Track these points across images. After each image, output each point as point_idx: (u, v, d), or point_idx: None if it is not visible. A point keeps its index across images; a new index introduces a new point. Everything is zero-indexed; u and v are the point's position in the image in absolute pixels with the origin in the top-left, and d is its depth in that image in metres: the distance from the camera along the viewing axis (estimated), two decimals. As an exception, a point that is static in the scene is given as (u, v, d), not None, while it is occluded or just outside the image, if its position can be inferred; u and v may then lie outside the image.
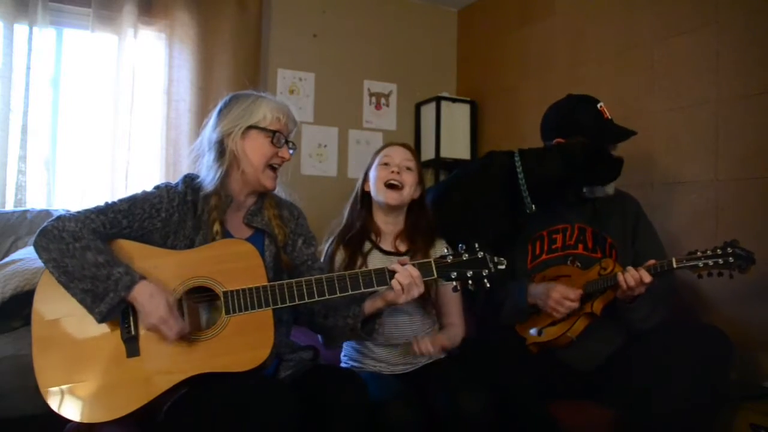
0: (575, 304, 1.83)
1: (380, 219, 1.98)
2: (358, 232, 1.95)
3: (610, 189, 2.04)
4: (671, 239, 2.29)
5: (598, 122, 2.03)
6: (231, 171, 1.64)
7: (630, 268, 1.77)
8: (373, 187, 1.95)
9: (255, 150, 1.61)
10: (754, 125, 2.18)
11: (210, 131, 1.65)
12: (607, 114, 2.05)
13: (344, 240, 1.94)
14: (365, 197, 2.00)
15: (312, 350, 1.73)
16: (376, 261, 1.90)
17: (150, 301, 1.40)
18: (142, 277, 1.43)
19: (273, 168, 1.65)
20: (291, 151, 1.69)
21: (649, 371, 1.74)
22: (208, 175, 1.61)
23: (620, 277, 1.77)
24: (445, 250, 1.60)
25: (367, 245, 1.94)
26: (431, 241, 1.95)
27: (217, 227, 1.57)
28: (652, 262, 1.77)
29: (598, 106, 2.05)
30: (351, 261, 1.89)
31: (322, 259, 1.96)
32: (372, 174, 1.97)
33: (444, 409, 1.61)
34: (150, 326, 1.41)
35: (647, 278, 1.74)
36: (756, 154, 2.17)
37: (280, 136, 1.64)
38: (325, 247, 1.99)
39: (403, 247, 1.95)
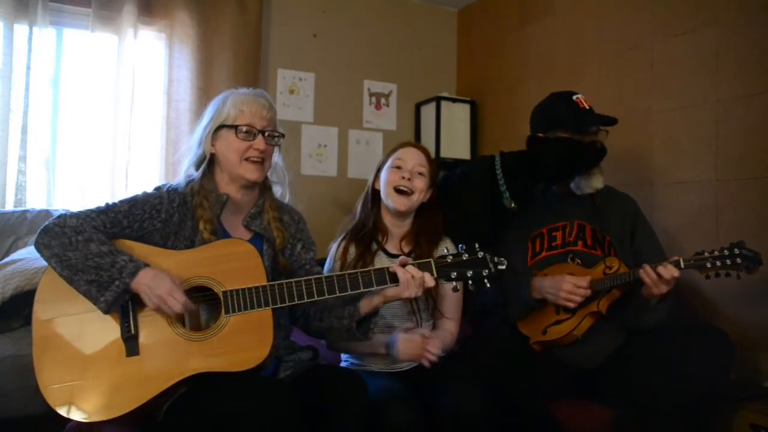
0: (588, 292, 1.83)
1: (388, 220, 1.98)
2: (369, 231, 1.95)
3: (597, 183, 2.02)
4: (671, 239, 2.29)
5: (574, 112, 2.02)
6: (216, 171, 1.67)
7: (660, 266, 1.75)
8: (383, 190, 1.94)
9: (226, 148, 1.63)
10: (754, 125, 2.18)
11: (193, 137, 1.69)
12: (585, 104, 2.03)
13: (356, 237, 1.95)
14: (375, 196, 1.99)
15: (311, 350, 1.73)
16: (382, 262, 1.90)
17: (154, 279, 1.41)
18: (146, 264, 1.44)
19: (253, 161, 1.63)
20: (276, 139, 1.67)
21: (650, 371, 1.74)
22: (183, 175, 1.65)
23: (644, 273, 1.74)
24: (446, 250, 1.60)
25: (375, 246, 1.94)
26: (436, 244, 1.94)
27: (202, 226, 1.57)
28: (675, 258, 1.76)
29: (574, 97, 2.05)
30: (361, 258, 1.89)
31: (330, 255, 1.97)
32: (383, 175, 1.96)
33: (444, 408, 1.61)
34: (156, 299, 1.41)
35: (675, 272, 1.73)
36: (756, 154, 2.17)
37: (248, 129, 1.61)
38: (335, 243, 1.99)
39: (407, 249, 1.94)
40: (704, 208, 2.32)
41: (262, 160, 1.64)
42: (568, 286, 1.84)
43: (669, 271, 1.72)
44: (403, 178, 1.90)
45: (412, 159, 1.94)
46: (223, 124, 1.63)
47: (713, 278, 1.75)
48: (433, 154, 3.34)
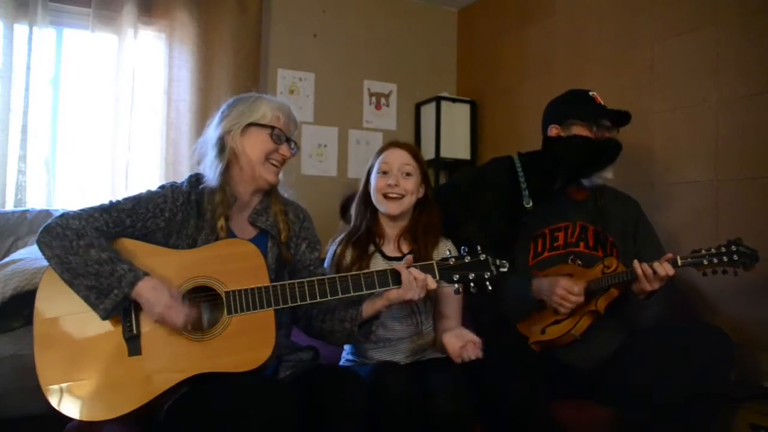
0: (580, 299, 1.83)
1: (384, 221, 1.96)
2: (364, 234, 1.94)
3: (608, 174, 2.05)
4: (671, 239, 2.30)
5: (591, 105, 2.05)
6: (232, 169, 1.64)
7: (656, 262, 1.75)
8: (373, 195, 1.93)
9: (254, 145, 1.63)
10: (754, 125, 2.19)
11: (212, 131, 1.66)
12: (600, 100, 2.07)
13: (352, 241, 1.94)
14: (368, 199, 1.97)
15: (312, 351, 1.73)
16: (378, 265, 1.89)
17: (153, 293, 1.41)
18: (146, 274, 1.43)
19: (273, 164, 1.65)
20: (294, 151, 1.70)
21: (649, 371, 1.74)
22: (210, 172, 1.62)
23: (637, 265, 1.75)
24: (448, 252, 1.60)
25: (372, 248, 1.93)
26: (435, 242, 1.94)
27: (222, 223, 1.57)
28: (669, 255, 1.76)
29: (590, 93, 2.08)
30: (357, 261, 1.88)
31: (327, 259, 1.96)
32: (372, 180, 1.94)
33: (432, 385, 1.62)
34: (156, 316, 1.41)
35: (671, 271, 1.73)
36: (756, 154, 2.18)
37: (280, 133, 1.65)
38: (332, 248, 1.98)
39: (405, 248, 1.93)
40: (704, 208, 2.32)
41: (280, 164, 1.67)
42: (560, 291, 1.84)
43: (665, 268, 1.72)
44: (390, 185, 1.88)
45: (397, 160, 1.92)
46: (256, 122, 1.63)
47: (713, 277, 1.75)
48: (433, 155, 3.40)
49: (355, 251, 1.91)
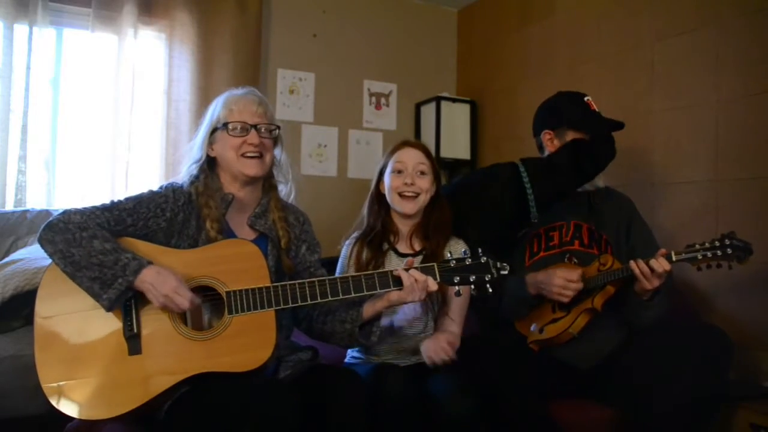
0: (579, 285, 1.85)
1: (398, 219, 1.97)
2: (378, 234, 1.95)
3: (599, 181, 2.07)
4: (671, 239, 2.30)
5: (585, 113, 2.06)
6: (220, 172, 1.68)
7: (652, 259, 1.75)
8: (388, 195, 1.94)
9: (223, 147, 1.65)
10: (754, 125, 2.19)
11: (193, 141, 1.72)
12: (594, 106, 2.08)
13: (367, 241, 1.94)
14: (381, 198, 1.98)
15: (311, 350, 1.73)
16: (392, 263, 1.90)
17: (158, 277, 1.41)
18: (149, 262, 1.43)
19: (248, 156, 1.64)
20: (273, 132, 1.68)
21: (649, 370, 1.74)
22: (186, 175, 1.67)
23: (633, 265, 1.75)
24: (449, 254, 1.61)
25: (385, 246, 1.94)
26: (446, 240, 1.94)
27: (209, 225, 1.58)
28: (663, 251, 1.76)
29: (585, 99, 2.08)
30: (372, 260, 1.89)
31: (342, 256, 1.98)
32: (386, 180, 1.95)
33: (433, 390, 1.62)
34: (162, 298, 1.41)
35: (667, 266, 1.73)
36: (756, 154, 2.18)
37: (237, 125, 1.63)
38: (346, 246, 1.98)
39: (418, 245, 1.94)
40: (704, 208, 2.32)
41: (260, 155, 1.65)
42: (558, 281, 1.86)
43: (661, 264, 1.73)
44: (406, 184, 1.89)
45: (411, 159, 1.93)
46: (215, 126, 1.66)
47: (712, 277, 1.75)
48: (432, 155, 3.38)
49: (370, 250, 1.92)
